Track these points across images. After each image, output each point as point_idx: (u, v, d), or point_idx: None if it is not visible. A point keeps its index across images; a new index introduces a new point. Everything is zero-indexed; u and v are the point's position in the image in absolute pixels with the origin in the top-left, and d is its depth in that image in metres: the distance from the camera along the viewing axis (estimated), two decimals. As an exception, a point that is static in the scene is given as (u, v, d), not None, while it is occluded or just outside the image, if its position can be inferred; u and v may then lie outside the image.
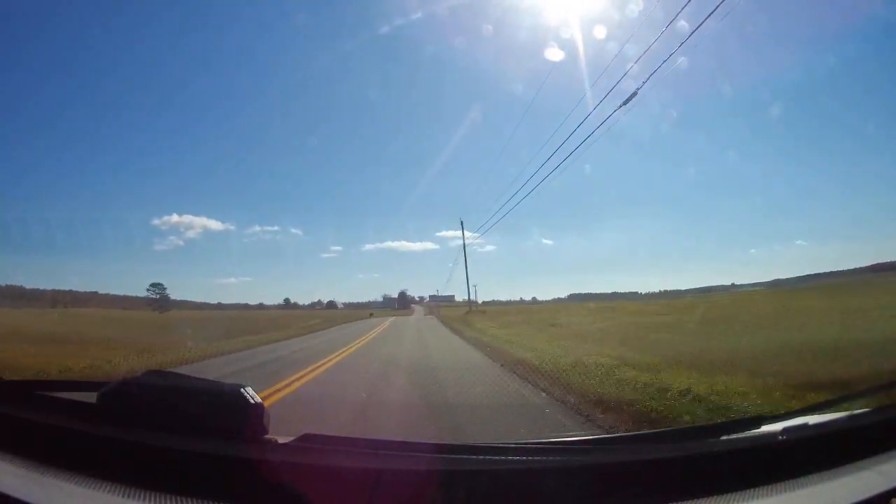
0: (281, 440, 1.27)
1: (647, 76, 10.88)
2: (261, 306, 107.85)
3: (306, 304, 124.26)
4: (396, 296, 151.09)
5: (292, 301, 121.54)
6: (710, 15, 8.85)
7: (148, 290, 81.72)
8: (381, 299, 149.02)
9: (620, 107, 11.16)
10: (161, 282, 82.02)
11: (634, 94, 10.81)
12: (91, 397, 1.33)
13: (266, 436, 1.26)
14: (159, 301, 78.16)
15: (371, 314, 76.27)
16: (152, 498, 1.14)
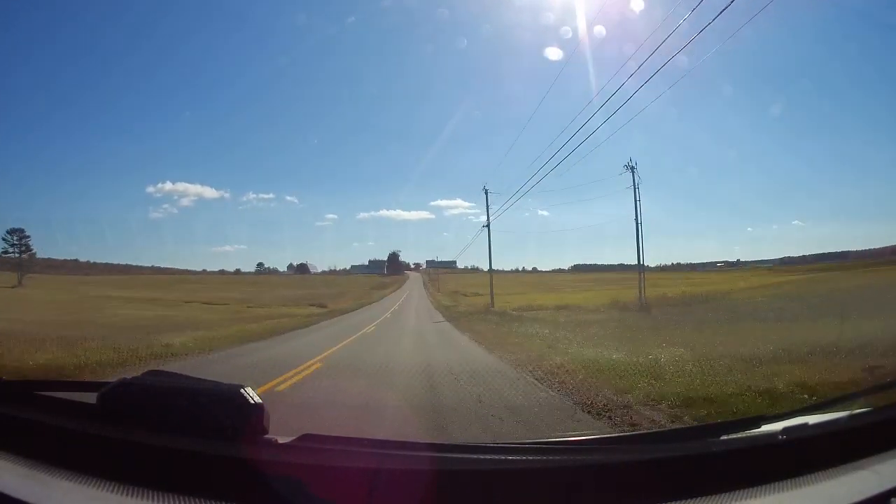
0: (281, 440, 1.27)
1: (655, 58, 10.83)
2: (237, 272, 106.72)
3: (285, 269, 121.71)
4: (386, 259, 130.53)
5: (271, 266, 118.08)
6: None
7: (4, 238, 51.50)
8: (367, 263, 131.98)
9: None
10: (22, 227, 52.24)
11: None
12: (91, 397, 1.33)
13: (266, 436, 1.26)
14: (18, 258, 49.71)
15: None
16: (152, 498, 1.14)
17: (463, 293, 53.77)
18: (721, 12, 8.96)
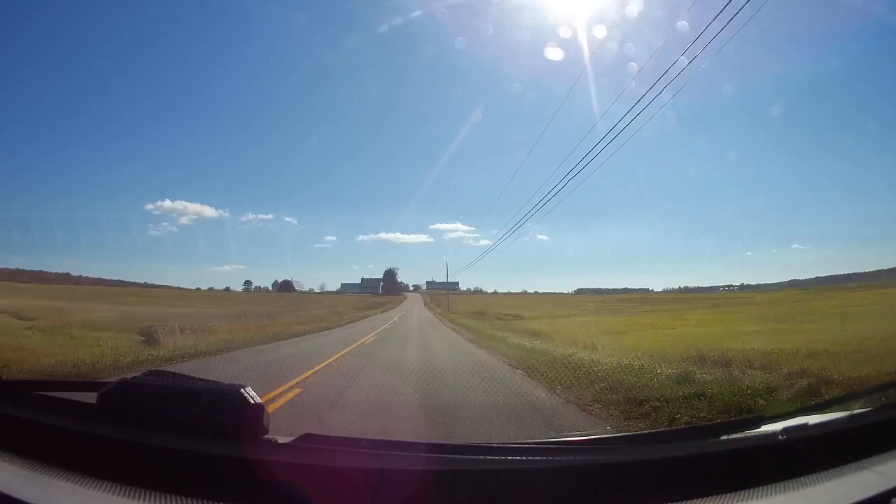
0: (281, 440, 1.27)
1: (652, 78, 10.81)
2: (227, 290, 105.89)
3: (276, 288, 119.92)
4: (381, 277, 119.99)
5: (261, 285, 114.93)
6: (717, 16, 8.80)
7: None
8: (359, 282, 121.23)
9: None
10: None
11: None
12: (91, 397, 1.33)
13: (266, 436, 1.26)
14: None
15: None
16: (152, 498, 1.14)
17: (495, 315, 35.14)
18: (715, 17, 8.96)
